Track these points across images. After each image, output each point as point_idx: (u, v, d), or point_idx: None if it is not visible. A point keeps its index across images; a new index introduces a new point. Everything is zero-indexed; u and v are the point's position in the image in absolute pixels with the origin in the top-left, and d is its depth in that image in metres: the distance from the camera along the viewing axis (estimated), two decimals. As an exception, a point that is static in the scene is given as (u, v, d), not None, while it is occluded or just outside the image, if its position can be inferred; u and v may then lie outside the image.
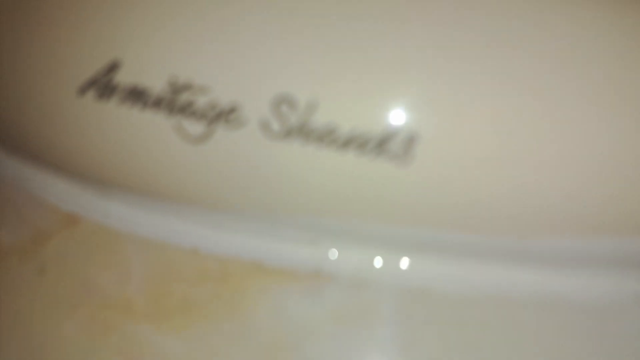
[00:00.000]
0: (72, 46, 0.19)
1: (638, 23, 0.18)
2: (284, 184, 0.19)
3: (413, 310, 0.20)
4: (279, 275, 0.21)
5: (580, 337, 0.20)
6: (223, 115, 0.18)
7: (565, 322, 0.20)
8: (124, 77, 0.19)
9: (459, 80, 0.17)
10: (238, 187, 0.19)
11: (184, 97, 0.18)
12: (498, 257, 0.20)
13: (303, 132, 0.17)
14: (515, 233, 0.19)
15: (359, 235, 0.20)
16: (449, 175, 0.18)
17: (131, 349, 0.22)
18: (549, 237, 0.19)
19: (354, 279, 0.20)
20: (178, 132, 0.18)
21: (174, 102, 0.18)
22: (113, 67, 0.18)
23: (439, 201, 0.18)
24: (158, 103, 0.18)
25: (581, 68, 0.17)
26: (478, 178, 0.18)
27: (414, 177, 0.18)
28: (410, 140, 0.17)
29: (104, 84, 0.19)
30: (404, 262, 0.20)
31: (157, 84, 0.18)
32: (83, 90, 0.19)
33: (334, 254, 0.20)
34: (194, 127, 0.18)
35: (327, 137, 0.17)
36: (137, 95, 0.18)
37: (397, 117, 0.17)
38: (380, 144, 0.17)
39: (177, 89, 0.18)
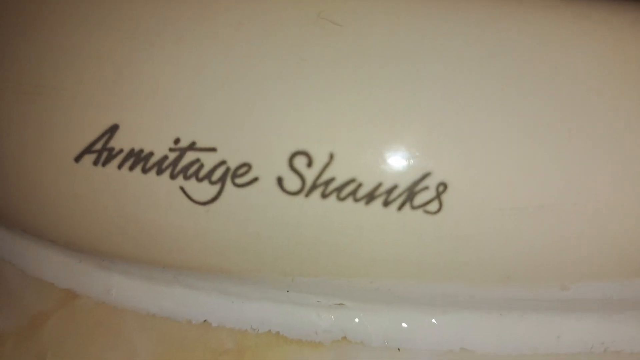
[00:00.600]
0: (67, 113, 0.18)
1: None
2: (303, 243, 0.17)
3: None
4: (301, 344, 0.19)
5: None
6: (233, 174, 0.17)
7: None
8: (123, 141, 0.17)
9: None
10: (252, 250, 0.18)
11: (189, 158, 0.17)
12: (539, 309, 0.18)
13: (324, 187, 0.16)
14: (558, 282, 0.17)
15: (387, 295, 0.18)
16: (480, 228, 0.16)
17: None
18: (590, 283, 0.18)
19: (386, 342, 0.19)
20: (184, 194, 0.17)
21: (178, 163, 0.17)
22: (111, 132, 0.17)
23: (471, 254, 0.17)
24: (160, 165, 0.17)
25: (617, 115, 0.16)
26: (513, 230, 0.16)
27: (445, 231, 0.16)
28: (440, 192, 0.16)
29: (101, 149, 0.17)
30: (438, 322, 0.19)
31: (159, 146, 0.17)
32: (80, 156, 0.18)
33: (360, 318, 0.19)
34: (201, 188, 0.17)
35: (349, 191, 0.16)
36: (136, 159, 0.17)
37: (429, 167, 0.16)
38: (409, 196, 0.16)
39: (183, 150, 0.17)
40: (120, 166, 0.17)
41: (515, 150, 0.16)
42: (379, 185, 0.16)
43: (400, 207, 0.16)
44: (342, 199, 0.16)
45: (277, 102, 0.16)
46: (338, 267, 0.18)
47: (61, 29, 0.18)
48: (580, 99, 0.16)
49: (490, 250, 0.17)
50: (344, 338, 0.19)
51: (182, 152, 0.17)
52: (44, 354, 0.22)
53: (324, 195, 0.16)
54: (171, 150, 0.17)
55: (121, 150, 0.17)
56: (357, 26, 0.16)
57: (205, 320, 0.21)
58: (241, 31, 0.17)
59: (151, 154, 0.17)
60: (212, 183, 0.17)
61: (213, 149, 0.16)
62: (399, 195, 0.16)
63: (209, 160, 0.16)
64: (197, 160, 0.17)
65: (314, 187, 0.16)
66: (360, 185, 0.16)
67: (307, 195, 0.16)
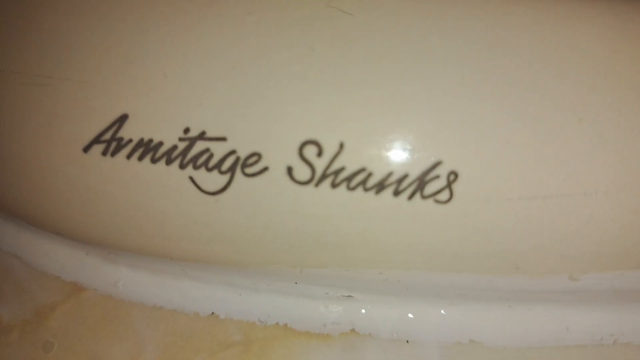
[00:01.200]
0: (76, 103, 0.18)
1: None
2: (313, 233, 0.17)
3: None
4: (309, 336, 0.19)
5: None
6: (242, 164, 0.16)
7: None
8: (132, 131, 0.17)
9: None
10: (261, 240, 0.18)
11: (199, 147, 0.17)
12: (548, 300, 0.18)
13: (334, 177, 0.16)
14: (566, 272, 0.17)
15: (396, 287, 0.18)
16: (490, 216, 0.16)
17: None
18: (599, 274, 0.18)
19: (394, 334, 0.18)
20: (193, 184, 0.17)
21: (187, 152, 0.17)
22: (120, 121, 0.17)
23: (481, 244, 0.17)
24: (170, 155, 0.17)
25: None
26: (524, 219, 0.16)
27: (455, 220, 0.16)
28: (451, 180, 0.16)
29: (110, 139, 0.17)
30: (447, 314, 0.19)
31: (169, 136, 0.17)
32: (89, 147, 0.18)
33: (368, 310, 0.19)
34: (211, 178, 0.17)
35: (359, 181, 0.16)
36: (146, 149, 0.17)
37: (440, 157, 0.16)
38: (419, 185, 0.16)
39: (193, 139, 0.17)
40: (129, 156, 0.17)
41: (525, 140, 0.16)
42: (390, 174, 0.16)
43: (410, 197, 0.16)
44: (352, 189, 0.16)
45: (287, 92, 0.16)
46: (347, 257, 0.18)
47: (70, 19, 0.18)
48: (590, 88, 0.16)
49: (499, 240, 0.17)
50: (352, 330, 0.19)
51: (192, 141, 0.17)
52: (50, 347, 0.22)
53: (334, 185, 0.16)
54: (181, 139, 0.17)
55: (130, 140, 0.17)
56: (367, 15, 0.16)
57: (212, 313, 0.20)
58: (251, 20, 0.17)
59: (160, 143, 0.17)
60: (222, 173, 0.17)
61: (223, 139, 0.16)
62: (410, 185, 0.16)
63: (218, 150, 0.16)
64: (207, 149, 0.16)
65: (324, 176, 0.16)
66: (370, 174, 0.16)
67: (317, 185, 0.16)
